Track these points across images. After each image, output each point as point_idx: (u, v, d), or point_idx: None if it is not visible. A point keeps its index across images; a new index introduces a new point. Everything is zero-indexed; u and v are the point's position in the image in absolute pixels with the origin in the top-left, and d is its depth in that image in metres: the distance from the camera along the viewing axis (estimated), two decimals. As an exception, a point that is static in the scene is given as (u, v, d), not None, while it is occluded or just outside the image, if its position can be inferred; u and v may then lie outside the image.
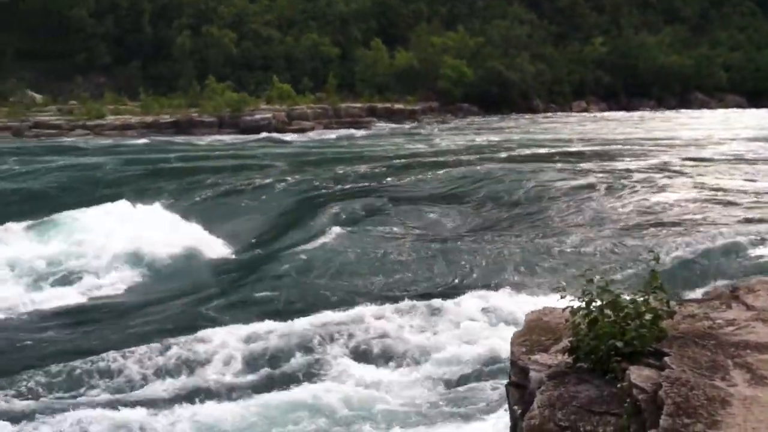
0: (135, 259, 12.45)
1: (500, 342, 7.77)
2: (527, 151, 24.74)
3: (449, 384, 7.71)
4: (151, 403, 7.40)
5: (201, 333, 8.94)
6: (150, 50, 51.50)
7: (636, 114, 49.21)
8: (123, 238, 13.02)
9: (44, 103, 43.99)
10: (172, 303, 10.69)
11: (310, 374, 8.06)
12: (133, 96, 44.97)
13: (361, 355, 8.45)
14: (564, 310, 4.07)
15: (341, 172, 19.72)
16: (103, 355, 8.39)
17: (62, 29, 49.63)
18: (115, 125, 38.96)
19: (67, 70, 48.11)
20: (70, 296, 11.39)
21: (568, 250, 11.91)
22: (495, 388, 7.21)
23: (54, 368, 8.19)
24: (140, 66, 48.55)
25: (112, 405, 7.36)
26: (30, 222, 13.95)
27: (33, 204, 16.13)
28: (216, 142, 32.14)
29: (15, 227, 13.78)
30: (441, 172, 19.17)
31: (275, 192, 17.37)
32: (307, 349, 8.54)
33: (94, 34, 51.07)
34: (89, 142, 31.89)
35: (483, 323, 9.01)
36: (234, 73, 49.13)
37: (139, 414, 7.10)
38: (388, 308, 9.50)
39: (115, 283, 11.89)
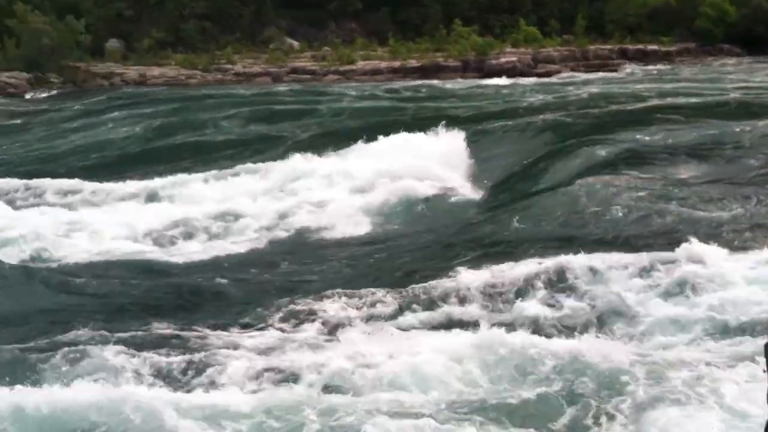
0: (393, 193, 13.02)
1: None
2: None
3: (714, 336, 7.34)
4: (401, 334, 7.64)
5: (447, 273, 9.04)
6: (399, -4, 52.35)
7: None
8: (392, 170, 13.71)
9: (301, 50, 46.24)
10: (421, 240, 10.94)
11: (553, 316, 7.97)
12: (382, 41, 46.11)
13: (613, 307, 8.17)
14: None
15: (588, 116, 19.15)
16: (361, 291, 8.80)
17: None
18: (365, 70, 40.30)
19: (321, 17, 50.09)
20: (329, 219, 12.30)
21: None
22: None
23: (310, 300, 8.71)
24: (390, 12, 49.48)
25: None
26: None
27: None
28: (462, 86, 32.22)
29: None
30: (692, 120, 17.94)
31: (520, 135, 17.20)
32: (547, 291, 8.43)
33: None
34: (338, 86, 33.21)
35: (737, 278, 8.47)
36: (480, 16, 48.75)
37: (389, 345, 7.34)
38: (631, 258, 9.13)
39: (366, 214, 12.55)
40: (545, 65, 40.15)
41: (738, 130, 16.19)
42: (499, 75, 37.21)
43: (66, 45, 42.15)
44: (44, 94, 37.60)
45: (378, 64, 41.29)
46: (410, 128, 17.33)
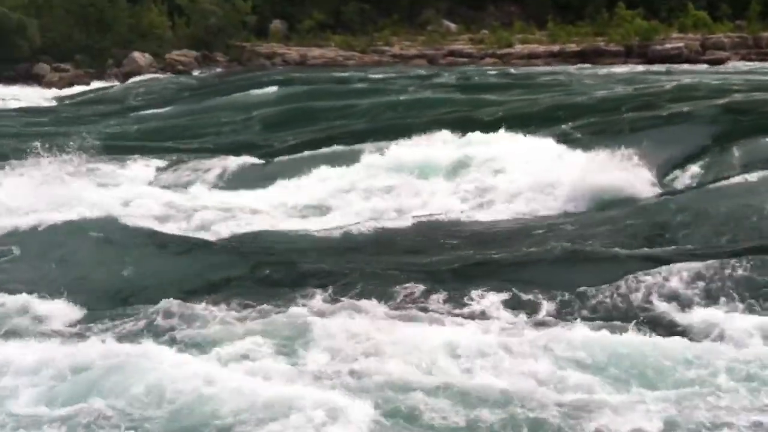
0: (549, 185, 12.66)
1: None
2: None
3: None
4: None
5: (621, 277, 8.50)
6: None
7: None
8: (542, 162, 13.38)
9: (458, 33, 46.07)
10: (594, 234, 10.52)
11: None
12: (541, 25, 45.27)
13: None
14: None
15: (758, 104, 17.92)
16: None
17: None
18: (522, 54, 39.74)
19: (480, -1, 49.78)
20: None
21: None
22: None
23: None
24: (550, -6, 48.55)
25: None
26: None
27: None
28: (622, 71, 31.09)
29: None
30: None
31: (686, 125, 16.27)
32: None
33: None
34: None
35: None
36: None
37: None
38: None
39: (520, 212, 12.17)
40: (714, 52, 38.21)
41: None
42: (663, 61, 35.77)
43: (232, 25, 43.78)
44: (210, 72, 39.25)
45: (536, 47, 40.57)
46: (576, 114, 16.79)
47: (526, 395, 5.94)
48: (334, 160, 14.87)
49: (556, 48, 40.09)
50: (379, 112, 20.49)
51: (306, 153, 15.97)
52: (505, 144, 14.81)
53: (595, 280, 8.43)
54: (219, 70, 40.18)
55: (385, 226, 11.20)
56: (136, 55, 39.69)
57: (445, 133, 15.70)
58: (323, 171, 14.34)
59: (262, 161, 16.09)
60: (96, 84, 35.62)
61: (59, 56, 39.01)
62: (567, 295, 8.16)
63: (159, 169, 15.69)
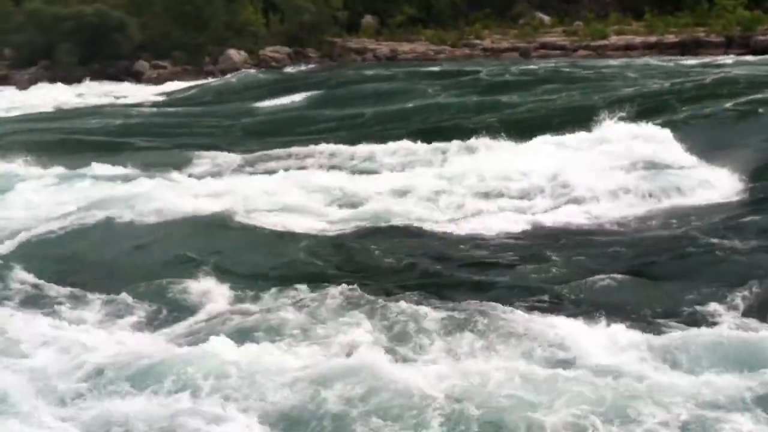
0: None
1: None
2: None
3: None
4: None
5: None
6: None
7: None
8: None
9: (551, 25, 45.31)
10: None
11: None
12: (637, 16, 44.09)
13: None
14: None
15: None
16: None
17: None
18: (617, 45, 38.76)
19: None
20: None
21: None
22: None
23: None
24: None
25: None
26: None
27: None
28: (689, 65, 29.66)
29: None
30: None
31: (692, 129, 15.35)
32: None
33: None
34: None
35: None
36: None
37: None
38: None
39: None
40: (822, 41, 36.44)
41: None
42: (766, 52, 34.28)
43: (324, 21, 44.10)
44: (301, 68, 39.59)
45: (632, 39, 39.50)
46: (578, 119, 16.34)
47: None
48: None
49: (653, 39, 38.92)
50: (378, 121, 20.10)
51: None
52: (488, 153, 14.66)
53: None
54: (311, 65, 40.51)
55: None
56: (232, 51, 40.49)
57: (420, 145, 15.73)
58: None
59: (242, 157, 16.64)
60: (196, 81, 36.38)
61: (157, 53, 40.15)
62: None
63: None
